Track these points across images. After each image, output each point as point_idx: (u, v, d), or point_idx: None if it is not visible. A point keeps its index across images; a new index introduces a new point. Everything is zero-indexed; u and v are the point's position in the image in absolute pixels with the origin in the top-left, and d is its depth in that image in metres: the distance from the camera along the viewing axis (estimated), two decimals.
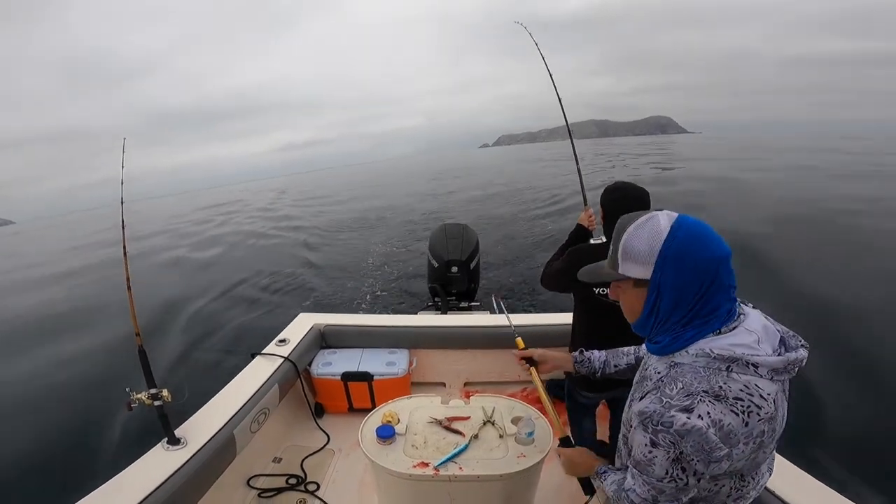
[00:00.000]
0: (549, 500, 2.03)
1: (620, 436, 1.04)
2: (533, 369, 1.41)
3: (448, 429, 1.58)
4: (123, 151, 1.98)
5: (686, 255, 0.78)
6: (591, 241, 2.06)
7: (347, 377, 2.52)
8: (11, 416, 3.92)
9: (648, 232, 0.82)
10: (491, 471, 1.40)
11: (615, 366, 1.30)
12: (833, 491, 1.39)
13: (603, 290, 1.78)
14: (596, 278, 0.96)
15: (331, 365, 2.59)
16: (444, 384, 2.88)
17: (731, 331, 0.80)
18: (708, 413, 0.72)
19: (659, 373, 0.86)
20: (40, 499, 2.97)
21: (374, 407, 1.73)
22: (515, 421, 1.59)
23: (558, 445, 1.24)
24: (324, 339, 2.77)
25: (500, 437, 1.55)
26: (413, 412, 1.67)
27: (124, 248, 1.78)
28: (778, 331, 0.83)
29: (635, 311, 0.88)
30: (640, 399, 0.85)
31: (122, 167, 1.97)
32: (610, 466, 1.07)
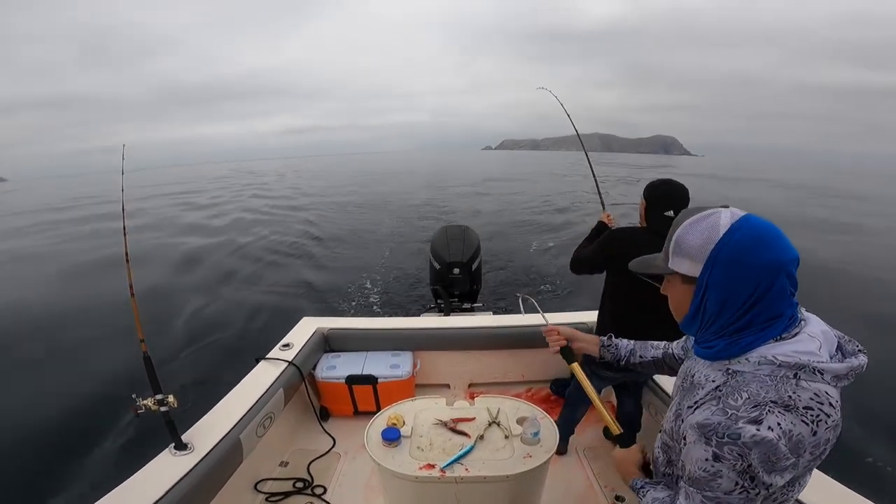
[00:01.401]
0: (556, 501, 2.03)
1: (659, 445, 1.00)
2: (577, 366, 1.35)
3: (453, 430, 1.58)
4: (123, 158, 1.97)
5: (740, 259, 0.73)
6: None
7: (352, 380, 2.53)
8: (12, 418, 3.93)
9: (705, 228, 0.77)
10: (497, 471, 1.40)
11: (641, 356, 1.27)
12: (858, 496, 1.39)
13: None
14: (645, 269, 0.93)
15: (335, 368, 2.59)
16: (448, 386, 2.88)
17: (792, 337, 0.75)
18: (778, 424, 0.69)
19: (714, 381, 0.81)
20: None
21: (378, 410, 1.74)
22: (521, 421, 1.59)
23: (616, 445, 1.19)
24: (327, 343, 2.78)
25: (506, 437, 1.55)
26: (418, 414, 1.68)
27: (126, 253, 1.78)
28: (835, 336, 0.79)
29: (682, 308, 0.85)
30: (695, 410, 0.79)
31: (122, 173, 1.96)
32: (648, 481, 1.02)
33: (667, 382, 2.10)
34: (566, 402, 2.26)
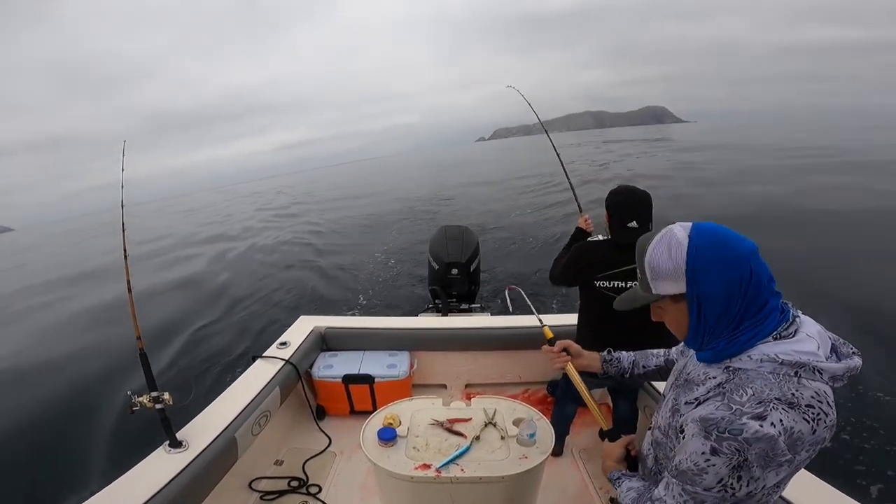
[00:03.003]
0: (551, 502, 2.03)
1: (649, 442, 1.00)
2: (570, 365, 1.35)
3: (449, 430, 1.58)
4: (123, 155, 1.98)
5: (713, 260, 0.77)
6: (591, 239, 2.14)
7: (348, 380, 2.52)
8: (11, 418, 3.92)
9: (667, 246, 0.81)
10: (493, 472, 1.40)
11: (644, 367, 1.28)
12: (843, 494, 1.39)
13: (603, 284, 1.82)
14: (633, 305, 0.92)
15: (332, 367, 2.59)
16: (445, 386, 2.88)
17: (791, 335, 0.77)
18: (780, 421, 0.70)
19: (714, 377, 0.83)
20: (43, 502, 2.97)
21: (375, 409, 1.73)
22: (517, 422, 1.59)
23: (602, 438, 1.21)
24: (325, 342, 2.77)
25: (502, 438, 1.54)
26: (414, 414, 1.67)
27: (125, 251, 1.78)
28: (830, 338, 0.80)
29: (682, 326, 0.86)
30: (697, 405, 0.81)
31: (122, 170, 1.96)
32: (624, 472, 1.04)
33: (663, 385, 2.11)
34: (556, 401, 2.27)
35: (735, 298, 0.77)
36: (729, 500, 0.75)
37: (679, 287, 0.81)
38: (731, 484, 0.74)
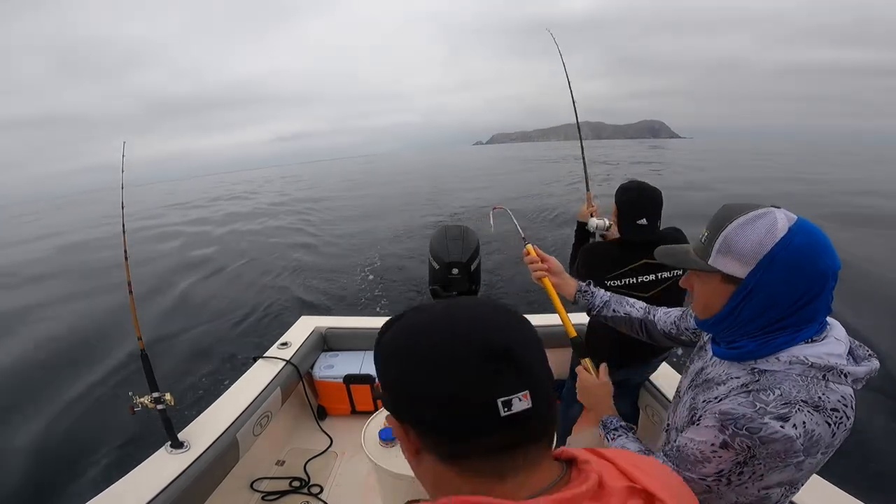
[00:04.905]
0: None
1: (664, 442, 0.98)
2: (547, 279, 1.30)
3: None
4: (123, 156, 1.98)
5: (798, 263, 0.71)
6: (589, 224, 2.14)
7: (350, 380, 2.53)
8: (12, 418, 3.92)
9: (761, 229, 0.73)
10: None
11: (614, 310, 1.24)
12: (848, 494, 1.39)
13: (614, 283, 1.81)
14: (676, 262, 0.86)
15: (333, 367, 2.59)
16: None
17: (822, 339, 0.75)
18: (804, 423, 0.69)
19: (738, 378, 0.79)
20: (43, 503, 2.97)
21: (376, 409, 1.73)
22: None
23: (572, 352, 1.16)
24: (325, 342, 2.78)
25: None
26: None
27: (125, 251, 1.78)
28: (848, 341, 0.79)
29: (711, 306, 0.81)
30: (720, 401, 0.78)
31: (122, 171, 1.96)
32: (623, 424, 1.00)
33: (665, 384, 2.10)
34: (561, 402, 2.27)
35: (786, 306, 0.73)
36: (717, 489, 0.75)
37: (741, 271, 0.74)
38: (729, 477, 0.73)
